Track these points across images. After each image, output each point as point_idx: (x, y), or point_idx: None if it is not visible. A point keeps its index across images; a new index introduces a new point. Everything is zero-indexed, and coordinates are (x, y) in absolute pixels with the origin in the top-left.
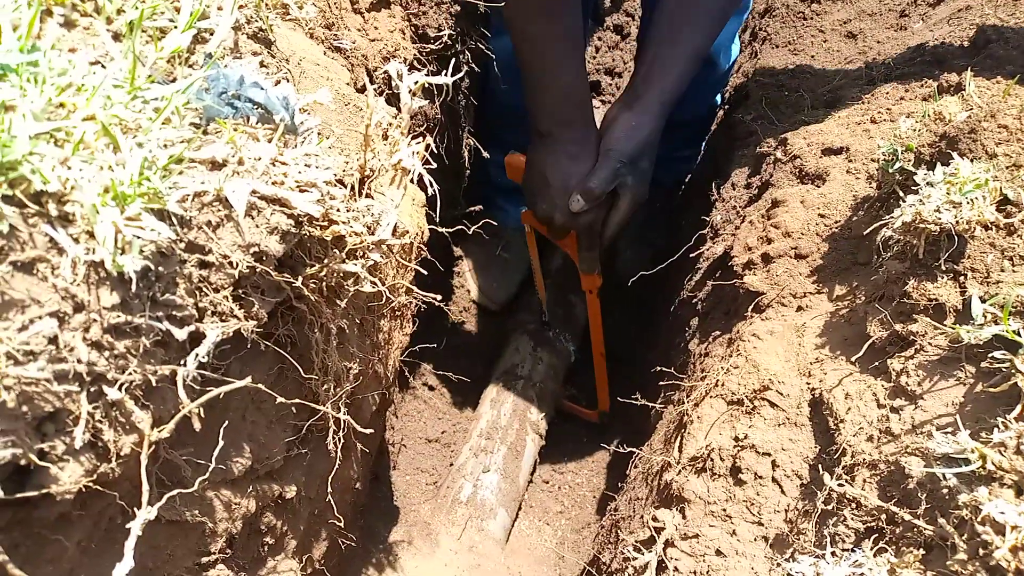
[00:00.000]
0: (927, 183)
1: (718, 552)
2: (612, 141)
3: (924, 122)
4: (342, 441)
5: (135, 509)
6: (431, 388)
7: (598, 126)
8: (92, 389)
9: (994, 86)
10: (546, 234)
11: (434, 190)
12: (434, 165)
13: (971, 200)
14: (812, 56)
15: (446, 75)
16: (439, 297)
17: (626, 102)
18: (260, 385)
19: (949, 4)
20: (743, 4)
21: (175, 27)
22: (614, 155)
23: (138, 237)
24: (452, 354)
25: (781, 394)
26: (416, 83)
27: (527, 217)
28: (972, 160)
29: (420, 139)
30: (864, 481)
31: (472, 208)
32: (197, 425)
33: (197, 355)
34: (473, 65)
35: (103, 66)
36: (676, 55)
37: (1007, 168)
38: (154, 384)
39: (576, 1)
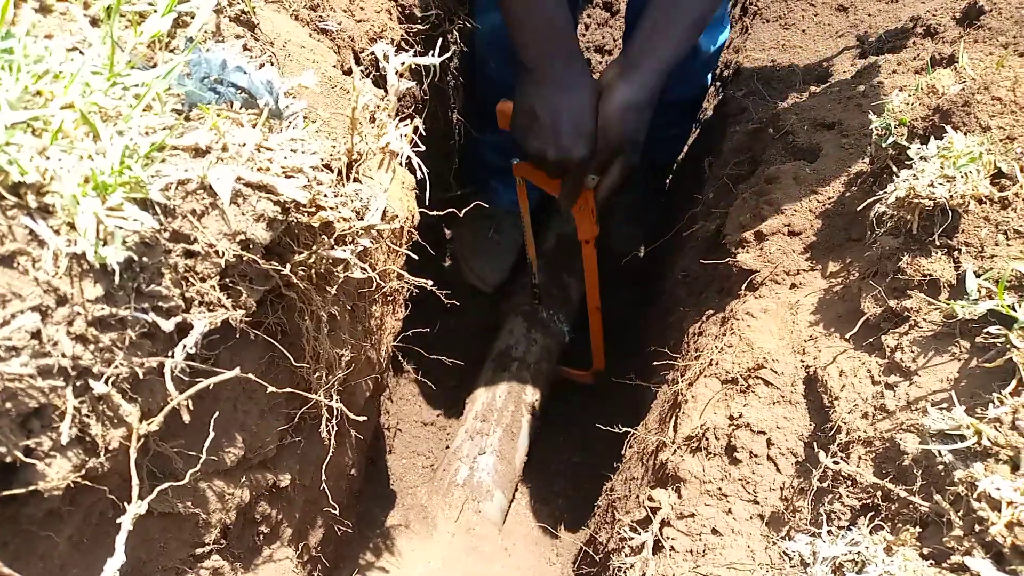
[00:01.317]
0: (921, 157)
1: (714, 531)
2: (608, 119)
3: (917, 95)
4: (335, 429)
5: (126, 503)
6: (426, 371)
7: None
8: (78, 383)
9: (987, 58)
10: (539, 182)
11: (423, 173)
12: (423, 148)
13: (965, 174)
14: (803, 30)
15: (433, 55)
16: (430, 282)
17: (622, 70)
18: (250, 375)
19: None
20: None
21: (155, 11)
22: (611, 135)
23: (120, 228)
24: (446, 337)
25: (775, 372)
26: (403, 64)
27: (519, 169)
28: (966, 133)
29: (408, 121)
30: (859, 458)
31: (463, 190)
32: (186, 417)
33: (184, 346)
34: (461, 44)
35: (81, 52)
36: (676, 23)
37: (1001, 141)
38: (141, 377)
39: None
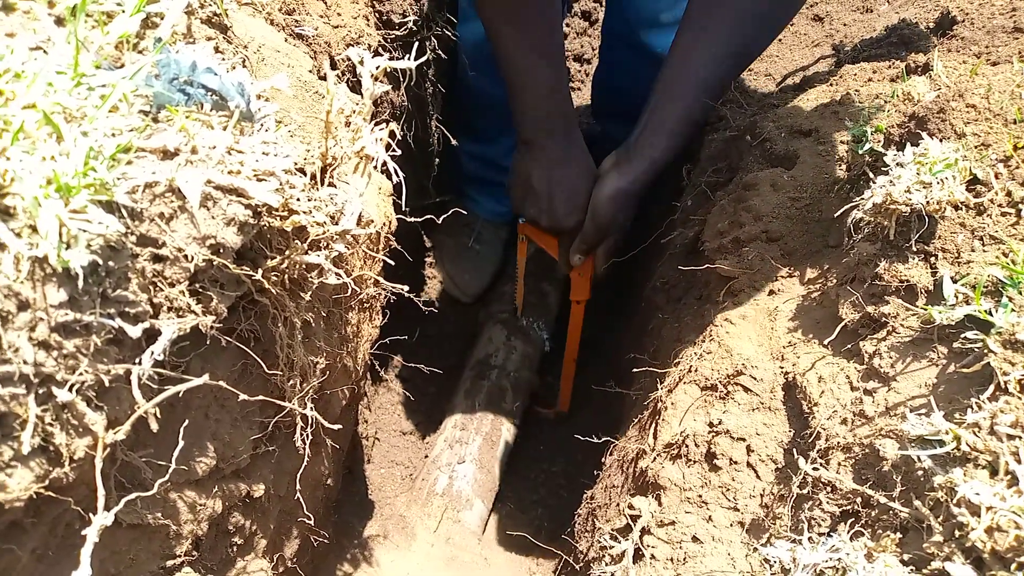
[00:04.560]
0: (897, 164)
1: (694, 538)
2: (598, 204)
3: (893, 103)
4: (310, 438)
5: (92, 515)
6: (404, 380)
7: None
8: (40, 391)
9: (961, 66)
10: (540, 243)
11: (399, 178)
12: (399, 152)
13: (941, 180)
14: (780, 40)
15: (409, 59)
16: (407, 288)
17: (619, 161)
18: (221, 382)
19: None
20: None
21: (122, 11)
22: (601, 221)
23: (84, 231)
24: (425, 345)
25: (755, 378)
26: (378, 67)
27: (523, 228)
28: (941, 140)
29: (384, 125)
30: (839, 464)
31: (442, 198)
32: (154, 426)
33: (152, 353)
34: (440, 51)
35: (45, 52)
36: (672, 122)
37: (976, 147)
38: (107, 384)
39: (548, 6)
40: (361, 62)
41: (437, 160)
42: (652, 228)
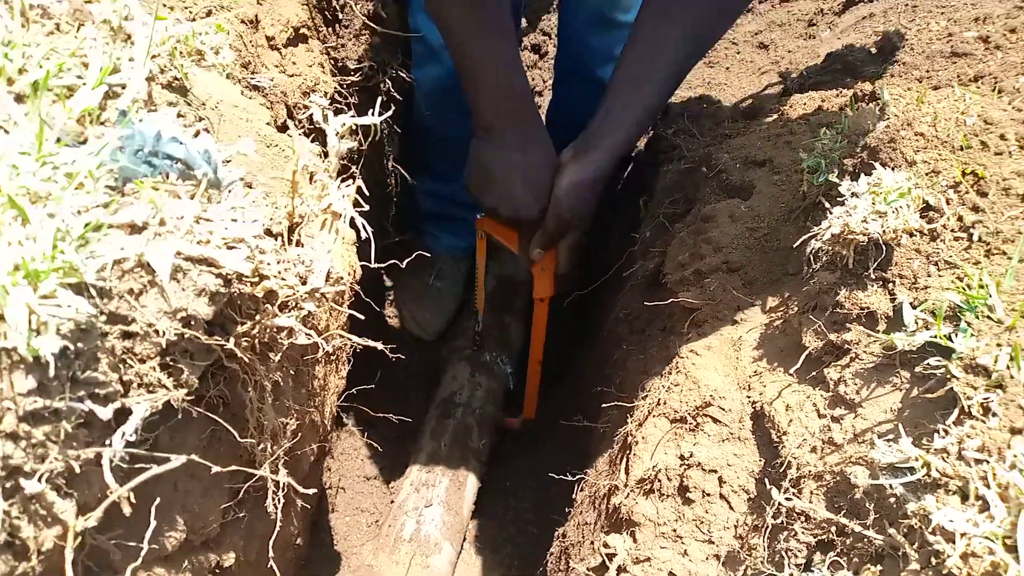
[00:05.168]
0: (852, 193)
1: (671, 574)
2: (559, 196)
3: (845, 133)
4: (282, 502)
5: None
6: (367, 424)
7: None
8: (8, 484)
9: (907, 93)
10: (500, 237)
11: (368, 233)
12: (366, 207)
13: (896, 209)
14: (727, 68)
15: (373, 114)
16: (380, 344)
17: (577, 152)
18: (194, 456)
19: (853, 12)
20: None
21: (83, 83)
22: (563, 213)
23: (54, 316)
24: (387, 387)
25: (723, 409)
26: (344, 125)
27: (482, 223)
28: (893, 169)
29: (350, 181)
30: (811, 493)
31: (401, 236)
32: (127, 509)
33: (124, 434)
34: (395, 94)
35: (6, 132)
36: (631, 110)
37: (926, 175)
38: (78, 470)
39: None
40: (326, 119)
41: (395, 200)
42: (612, 259)
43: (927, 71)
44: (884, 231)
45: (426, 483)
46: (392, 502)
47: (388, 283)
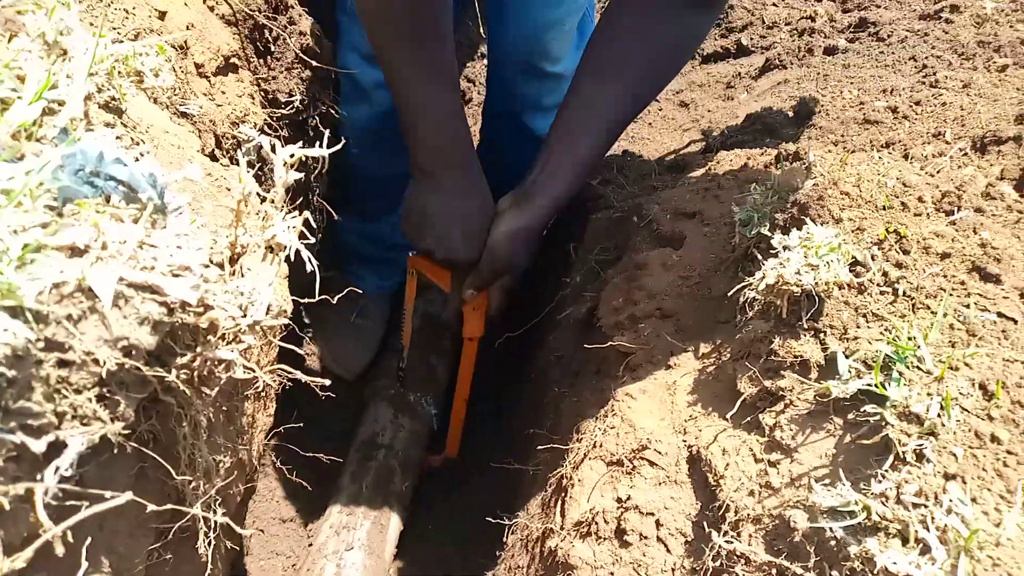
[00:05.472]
0: (784, 247)
1: None
2: (495, 243)
3: (775, 189)
4: (213, 543)
5: None
6: (284, 464)
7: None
8: None
9: (828, 155)
10: (432, 276)
11: (314, 266)
12: (312, 240)
13: (827, 262)
14: (650, 123)
15: (321, 146)
16: (327, 382)
17: (516, 200)
18: (130, 493)
19: (769, 77)
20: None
21: (19, 98)
22: (499, 259)
23: None
24: (306, 426)
25: (659, 452)
26: (292, 156)
27: (414, 262)
28: (822, 224)
29: (296, 213)
30: (750, 536)
31: (325, 273)
32: (60, 550)
33: (58, 468)
34: (322, 129)
35: None
36: (569, 163)
37: (852, 231)
38: (7, 507)
39: (440, 28)
40: (274, 149)
41: (319, 236)
42: (542, 303)
43: (842, 135)
44: (816, 283)
45: (346, 526)
46: (311, 545)
47: (306, 320)
